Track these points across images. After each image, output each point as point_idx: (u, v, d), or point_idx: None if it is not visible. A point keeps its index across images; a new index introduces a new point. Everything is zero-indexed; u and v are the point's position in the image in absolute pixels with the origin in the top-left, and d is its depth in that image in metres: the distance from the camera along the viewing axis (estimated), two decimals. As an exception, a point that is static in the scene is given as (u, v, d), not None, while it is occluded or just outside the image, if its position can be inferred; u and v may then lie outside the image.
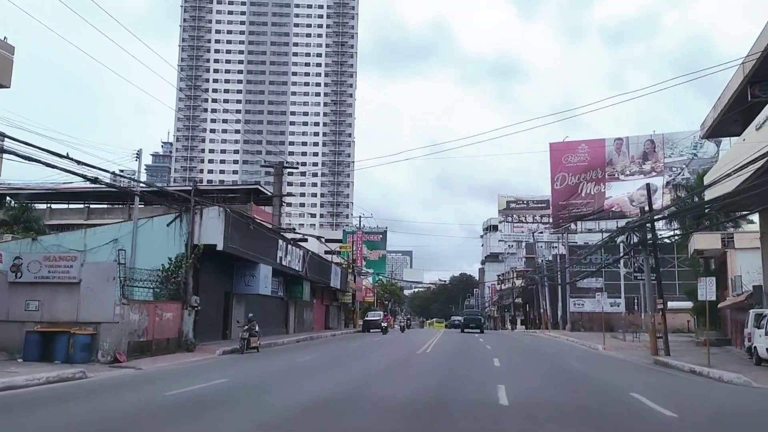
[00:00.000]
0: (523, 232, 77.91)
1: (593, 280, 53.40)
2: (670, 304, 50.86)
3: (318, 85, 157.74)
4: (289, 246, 31.31)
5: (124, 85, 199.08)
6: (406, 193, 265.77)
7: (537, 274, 59.82)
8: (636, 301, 48.28)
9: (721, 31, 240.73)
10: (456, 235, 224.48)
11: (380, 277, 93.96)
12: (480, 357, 21.41)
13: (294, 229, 36.41)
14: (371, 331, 46.30)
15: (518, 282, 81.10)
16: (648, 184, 27.86)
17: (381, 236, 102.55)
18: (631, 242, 25.18)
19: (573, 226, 55.33)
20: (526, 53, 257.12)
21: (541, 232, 68.44)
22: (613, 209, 52.65)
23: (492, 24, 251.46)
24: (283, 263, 29.99)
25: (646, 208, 25.38)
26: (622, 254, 34.50)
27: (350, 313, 63.86)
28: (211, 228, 21.71)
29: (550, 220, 70.26)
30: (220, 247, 21.85)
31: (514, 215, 74.26)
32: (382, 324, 44.68)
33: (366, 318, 51.53)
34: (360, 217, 65.22)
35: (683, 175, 49.55)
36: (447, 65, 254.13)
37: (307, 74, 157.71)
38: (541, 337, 43.50)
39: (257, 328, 22.67)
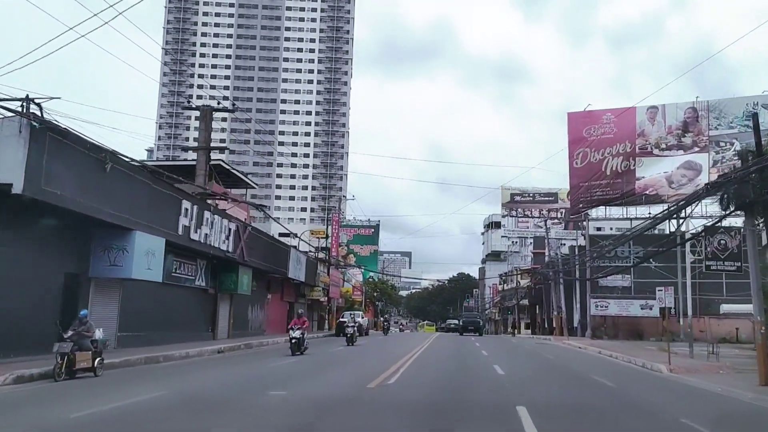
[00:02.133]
0: (528, 227, 69.66)
1: (619, 277, 44.19)
2: (721, 307, 41.50)
3: (311, 72, 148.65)
4: (207, 213, 21.37)
5: (113, 77, 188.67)
6: (405, 194, 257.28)
7: (550, 269, 50.24)
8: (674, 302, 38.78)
9: (724, 35, 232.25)
10: (456, 236, 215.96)
11: (372, 274, 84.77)
12: (488, 396, 11.69)
13: (227, 193, 26.09)
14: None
15: (523, 282, 72.40)
16: (755, 114, 18.45)
17: (373, 230, 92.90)
18: (729, 203, 15.59)
19: (589, 213, 45.61)
20: (530, 55, 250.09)
21: (549, 228, 59.52)
22: (647, 192, 42.71)
23: (496, 25, 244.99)
24: (192, 237, 20.10)
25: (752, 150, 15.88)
26: (689, 233, 25.00)
27: (329, 313, 54.95)
28: (4, 155, 12.09)
29: (559, 214, 61.30)
30: (18, 189, 12.04)
31: (519, 209, 64.89)
32: (292, 333, 20.21)
33: (341, 319, 42.14)
34: (340, 198, 55.22)
35: (735, 149, 39.76)
36: (449, 67, 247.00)
37: (299, 60, 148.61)
38: (559, 347, 33.84)
39: (98, 336, 13.15)
